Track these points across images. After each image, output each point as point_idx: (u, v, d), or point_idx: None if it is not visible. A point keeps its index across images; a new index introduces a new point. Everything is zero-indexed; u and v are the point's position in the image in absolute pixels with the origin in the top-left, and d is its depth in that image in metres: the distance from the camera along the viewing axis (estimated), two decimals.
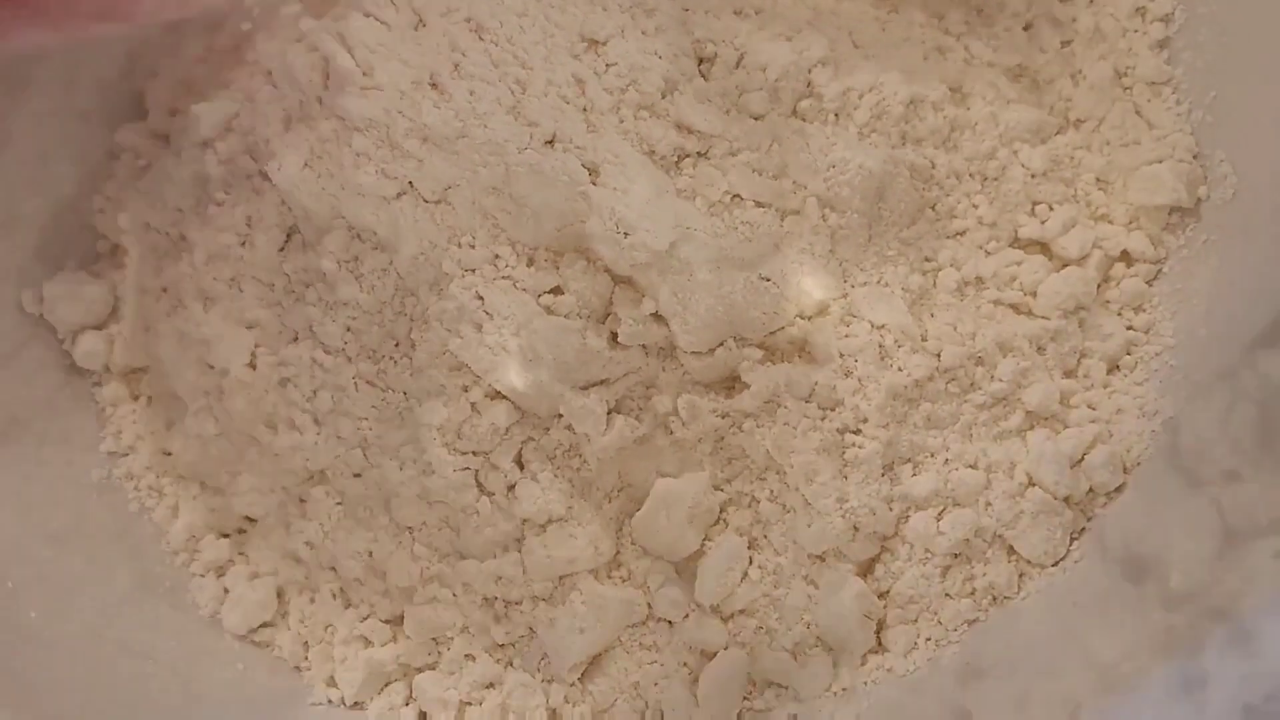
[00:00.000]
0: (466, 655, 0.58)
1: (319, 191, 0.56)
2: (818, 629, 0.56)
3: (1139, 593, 0.53)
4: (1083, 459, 0.55)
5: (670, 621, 0.57)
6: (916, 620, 0.56)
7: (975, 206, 0.58)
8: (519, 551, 0.56)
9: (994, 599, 0.55)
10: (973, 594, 0.55)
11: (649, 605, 0.57)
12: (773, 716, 0.57)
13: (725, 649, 0.56)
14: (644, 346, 0.56)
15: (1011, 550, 0.55)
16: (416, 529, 0.57)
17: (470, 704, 0.57)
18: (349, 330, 0.56)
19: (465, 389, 0.55)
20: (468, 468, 0.56)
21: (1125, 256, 0.58)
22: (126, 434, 0.61)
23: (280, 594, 0.59)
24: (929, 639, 0.56)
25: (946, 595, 0.55)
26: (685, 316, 0.55)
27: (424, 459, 0.56)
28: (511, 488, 0.56)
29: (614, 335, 0.56)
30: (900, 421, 0.56)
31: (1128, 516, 0.54)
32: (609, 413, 0.56)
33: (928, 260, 0.58)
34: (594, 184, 0.55)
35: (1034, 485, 0.55)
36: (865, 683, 0.56)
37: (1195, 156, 0.57)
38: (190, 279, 0.59)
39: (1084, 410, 0.56)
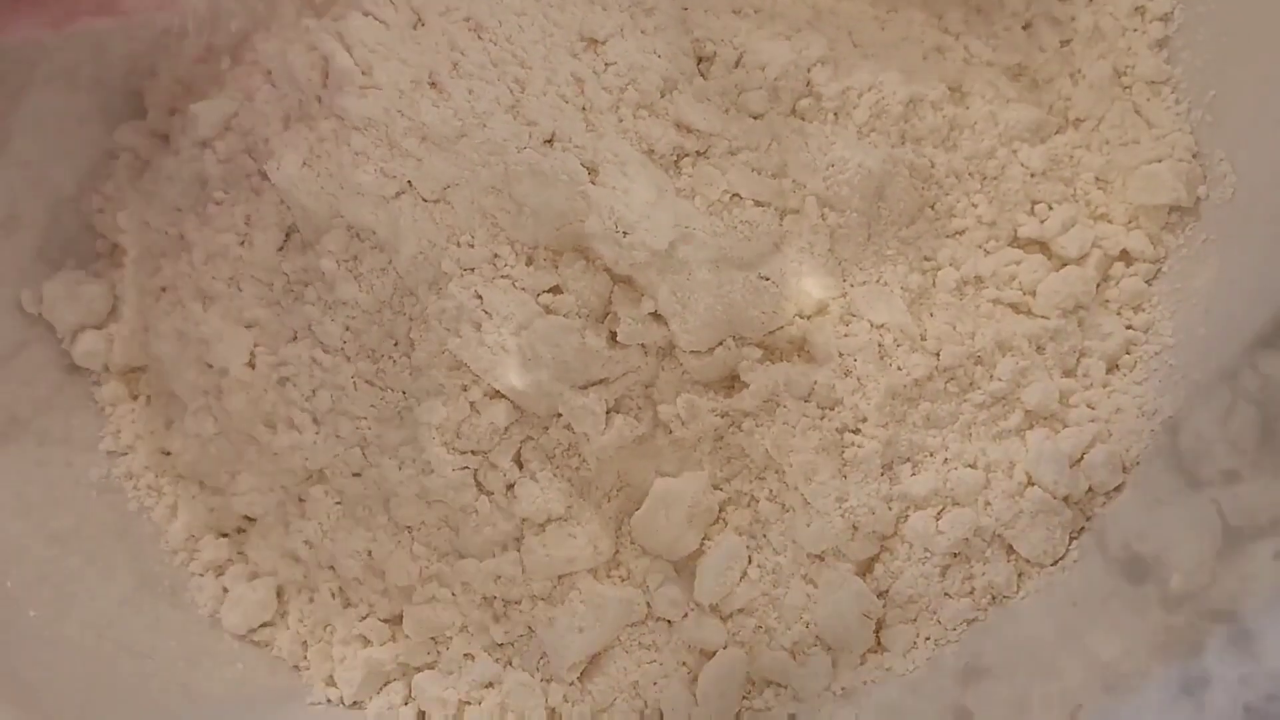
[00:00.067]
0: (465, 654, 0.58)
1: (318, 191, 0.56)
2: (817, 628, 0.56)
3: (1139, 593, 0.53)
4: (1082, 458, 0.55)
5: (669, 621, 0.57)
6: (916, 620, 0.56)
7: (974, 206, 0.58)
8: (518, 551, 0.56)
9: (993, 598, 0.55)
10: (972, 593, 0.55)
11: (648, 604, 0.57)
12: (772, 716, 0.57)
13: (724, 648, 0.56)
14: (643, 346, 0.56)
15: (1011, 550, 0.55)
16: (415, 528, 0.57)
17: (469, 703, 0.57)
18: (348, 329, 0.56)
19: (464, 388, 0.56)
20: (467, 467, 0.56)
21: (1124, 256, 0.58)
22: (126, 433, 0.61)
23: (279, 593, 0.59)
24: (928, 638, 0.56)
25: (946, 595, 0.55)
26: (684, 316, 0.55)
27: (423, 458, 0.56)
28: (510, 487, 0.56)
29: (613, 334, 0.56)
30: (899, 421, 0.56)
31: (1128, 517, 0.54)
32: (608, 412, 0.56)
33: (927, 259, 0.58)
34: (593, 183, 0.55)
35: (1033, 485, 0.55)
36: (865, 682, 0.55)
37: (1194, 156, 0.57)
38: (189, 278, 0.59)
39: (1083, 410, 0.56)
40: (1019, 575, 0.55)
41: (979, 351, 0.56)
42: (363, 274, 0.56)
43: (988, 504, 0.55)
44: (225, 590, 0.60)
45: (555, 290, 0.55)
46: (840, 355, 0.56)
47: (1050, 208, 0.58)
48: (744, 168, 0.57)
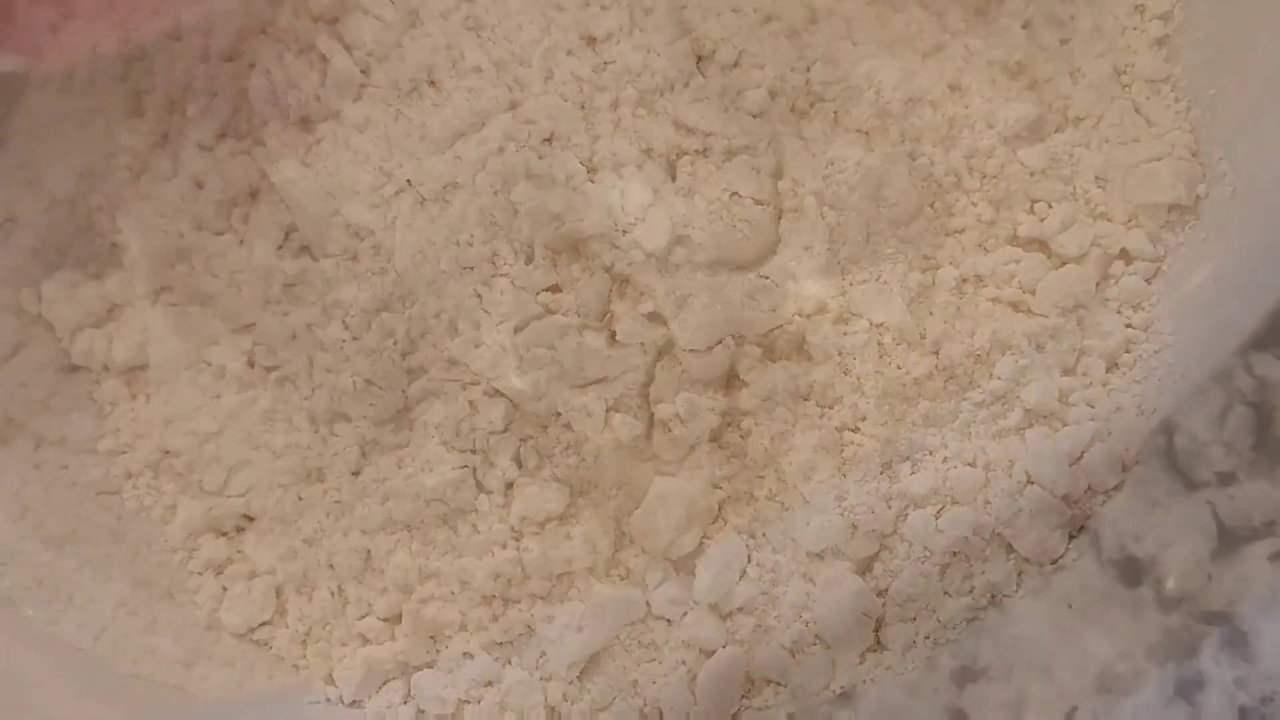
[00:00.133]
0: (465, 653, 0.58)
1: (316, 191, 0.56)
2: (816, 627, 0.56)
3: (1135, 595, 0.53)
4: (1081, 457, 0.55)
5: (669, 620, 0.57)
6: (915, 619, 0.56)
7: (974, 204, 0.58)
8: (517, 550, 0.56)
9: (993, 597, 0.55)
10: (971, 592, 0.55)
11: (647, 603, 0.57)
12: (771, 715, 0.57)
13: (723, 647, 0.56)
14: (642, 345, 0.56)
15: (1010, 548, 0.55)
16: (415, 527, 0.57)
17: (468, 702, 0.57)
18: (347, 329, 0.56)
19: (463, 387, 0.56)
20: (466, 466, 0.56)
21: (1124, 254, 0.57)
22: (125, 433, 0.61)
23: (279, 593, 0.59)
24: (927, 637, 0.56)
25: (945, 594, 0.55)
26: (683, 315, 0.55)
27: (422, 457, 0.56)
28: (509, 486, 0.56)
29: (612, 334, 0.56)
30: (899, 419, 0.56)
31: (1123, 518, 0.54)
32: (607, 411, 0.56)
33: (926, 258, 0.58)
34: (592, 182, 0.55)
35: (1032, 483, 0.54)
36: (864, 681, 0.56)
37: (1194, 154, 0.57)
38: (188, 278, 0.59)
39: (1083, 408, 0.55)
40: (1018, 574, 0.55)
41: (978, 350, 0.56)
42: (361, 274, 0.56)
43: (987, 503, 0.55)
44: (224, 589, 0.59)
45: (554, 289, 0.56)
46: (839, 354, 0.56)
47: (1050, 206, 0.58)
48: (743, 167, 0.57)
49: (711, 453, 0.57)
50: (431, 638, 0.58)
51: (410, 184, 0.56)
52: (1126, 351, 0.56)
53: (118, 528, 0.60)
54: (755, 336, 0.56)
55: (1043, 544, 0.54)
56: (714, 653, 0.56)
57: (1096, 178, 0.59)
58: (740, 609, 0.56)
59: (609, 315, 0.56)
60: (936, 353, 0.56)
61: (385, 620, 0.59)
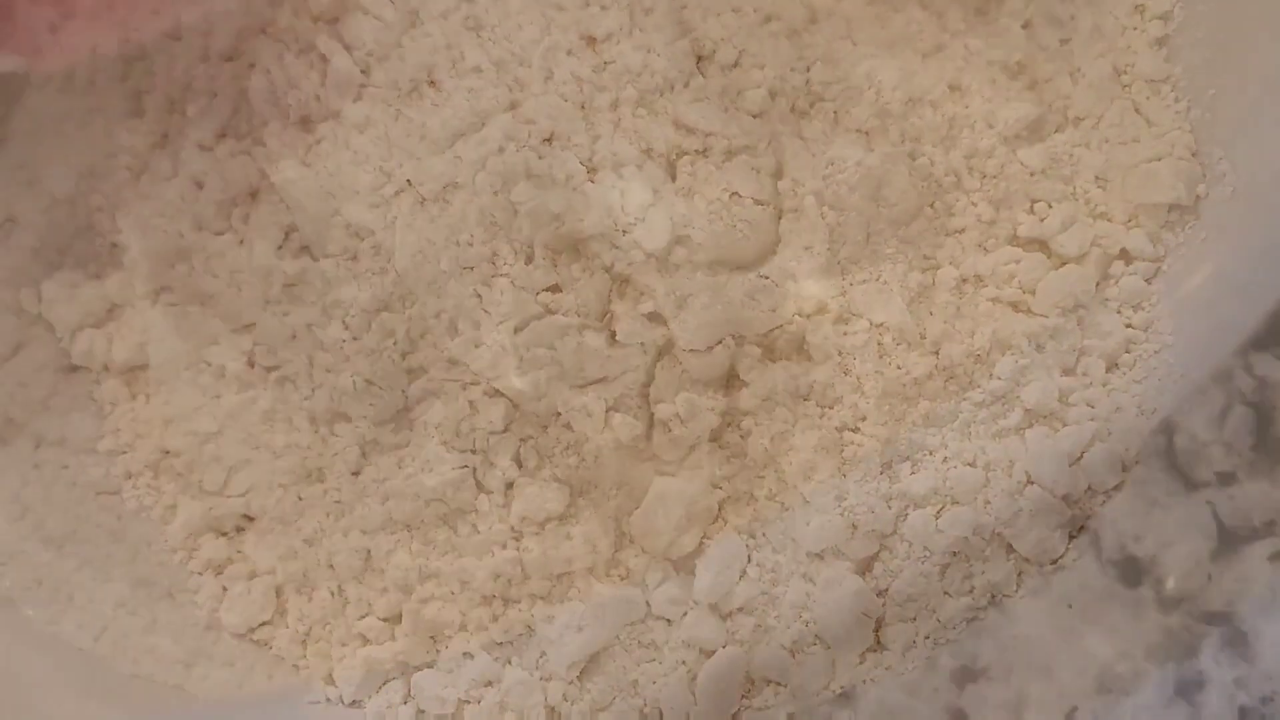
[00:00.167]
0: (465, 653, 0.58)
1: (316, 191, 0.57)
2: (816, 627, 0.56)
3: (1135, 595, 0.53)
4: (1081, 457, 0.55)
5: (669, 620, 0.57)
6: (915, 619, 0.56)
7: (974, 204, 0.58)
8: (517, 550, 0.57)
9: (993, 597, 0.55)
10: (971, 592, 0.55)
11: (647, 603, 0.57)
12: (771, 715, 0.57)
13: (723, 647, 0.56)
14: (642, 345, 0.56)
15: (1010, 548, 0.55)
16: (415, 527, 0.58)
17: (468, 702, 0.57)
18: (347, 329, 0.57)
19: (463, 388, 0.56)
20: (465, 466, 0.56)
21: (1124, 254, 0.57)
22: (125, 433, 0.61)
23: (279, 593, 0.60)
24: (927, 637, 0.56)
25: (945, 594, 0.55)
26: (683, 315, 0.55)
27: (422, 457, 0.57)
28: (509, 486, 0.57)
29: (612, 334, 0.56)
30: (899, 419, 0.56)
31: (1123, 519, 0.54)
32: (607, 411, 0.56)
33: (926, 258, 0.58)
34: (592, 182, 0.56)
35: (1032, 483, 0.55)
36: (865, 681, 0.56)
37: (1194, 154, 0.57)
38: (189, 278, 0.59)
39: (1083, 408, 0.56)
40: (1018, 574, 0.55)
41: (978, 350, 0.56)
42: (361, 274, 0.56)
43: (987, 503, 0.55)
44: (225, 590, 0.60)
45: (554, 289, 0.56)
46: (840, 354, 0.56)
47: (1050, 206, 0.58)
48: (743, 167, 0.57)
49: (711, 453, 0.57)
50: (431, 638, 0.58)
51: (410, 184, 0.56)
52: (1126, 351, 0.57)
53: (118, 528, 0.60)
54: (755, 336, 0.56)
55: (1043, 544, 0.54)
56: (714, 653, 0.56)
57: (1096, 178, 0.59)
58: (740, 609, 0.56)
59: (609, 315, 0.56)
60: (937, 353, 0.56)
61: (385, 620, 0.59)
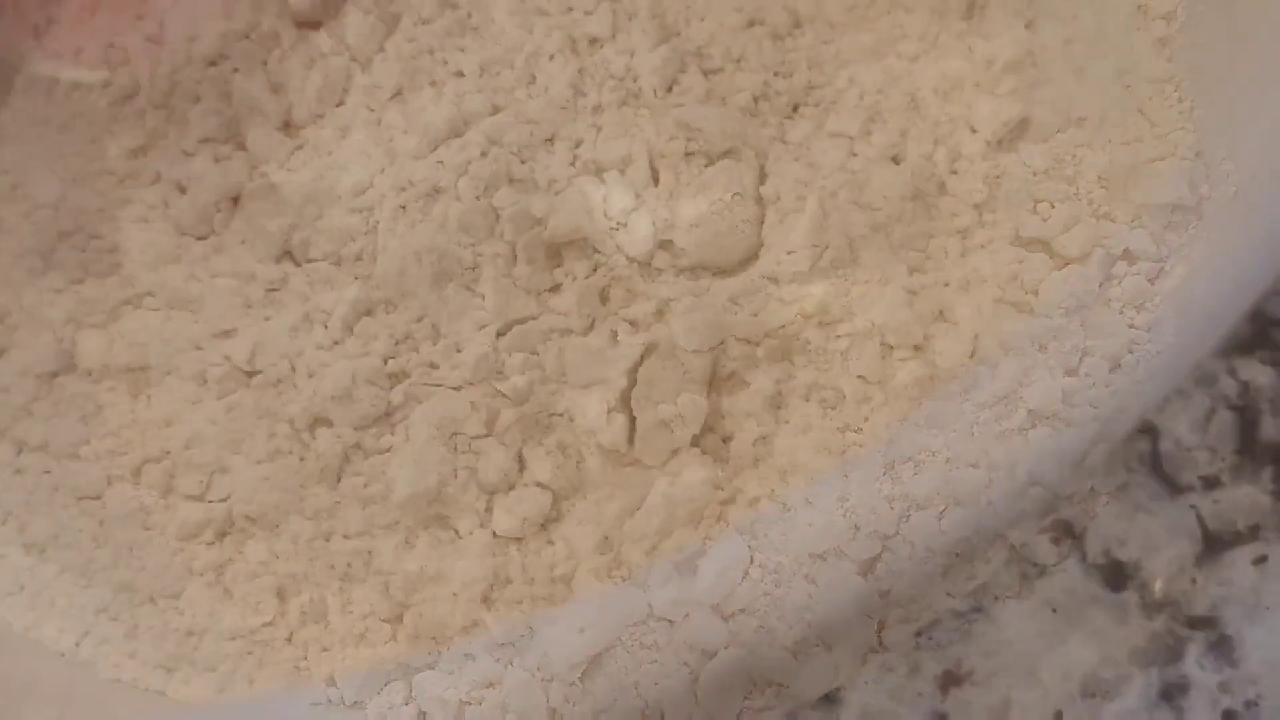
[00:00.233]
0: (466, 655, 0.58)
1: (300, 195, 0.58)
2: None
3: (1119, 599, 0.54)
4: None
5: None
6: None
7: (976, 205, 0.59)
8: (518, 550, 0.58)
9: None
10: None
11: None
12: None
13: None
14: (626, 349, 0.57)
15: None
16: (415, 527, 0.59)
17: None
18: (347, 328, 0.58)
19: (446, 392, 0.58)
20: (448, 471, 0.57)
21: (1127, 254, 0.58)
22: (108, 438, 0.62)
23: (279, 593, 0.60)
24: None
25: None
26: (667, 319, 0.57)
27: (423, 457, 0.58)
28: (493, 491, 0.58)
29: (614, 334, 0.58)
30: (901, 420, 0.57)
31: (1108, 523, 0.55)
32: (609, 412, 0.57)
33: (928, 258, 0.59)
34: (575, 186, 0.57)
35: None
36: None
37: (1198, 155, 0.58)
38: (172, 282, 0.61)
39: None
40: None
41: (980, 350, 0.57)
42: (359, 275, 0.58)
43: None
44: (224, 591, 0.61)
45: (537, 294, 0.57)
46: (841, 354, 0.57)
47: (1052, 206, 0.59)
48: (727, 170, 0.58)
49: (698, 455, 0.58)
50: (433, 639, 0.59)
51: (393, 188, 0.57)
52: (1129, 352, 0.57)
53: (100, 533, 0.60)
54: (756, 337, 0.58)
55: (1047, 545, 0.55)
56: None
57: (1099, 178, 0.60)
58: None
59: (592, 320, 0.57)
60: (939, 353, 0.57)
61: (387, 621, 0.60)
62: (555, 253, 0.58)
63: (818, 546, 0.56)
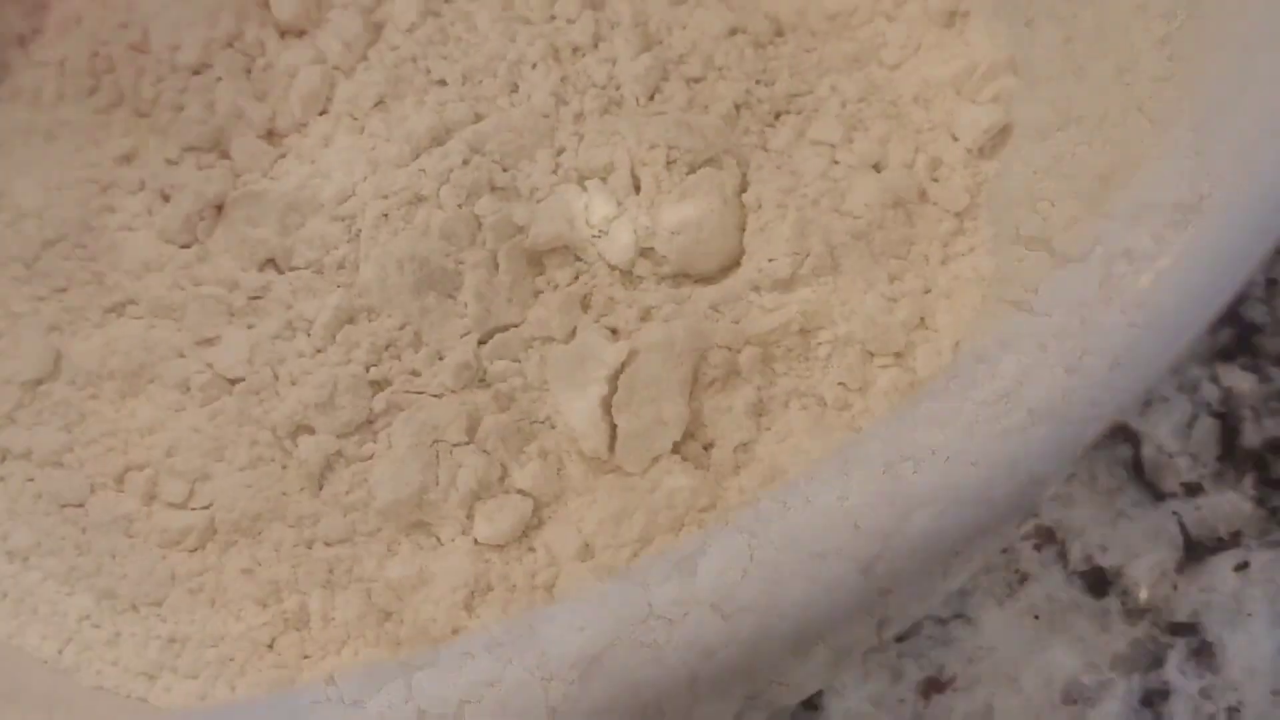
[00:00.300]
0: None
1: (282, 204, 0.60)
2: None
3: (1101, 606, 0.56)
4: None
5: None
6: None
7: (957, 212, 0.61)
8: (500, 557, 0.59)
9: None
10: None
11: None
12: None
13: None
14: (625, 352, 0.59)
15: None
16: (397, 534, 0.60)
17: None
18: (329, 336, 0.60)
19: (428, 400, 0.59)
20: (449, 473, 0.59)
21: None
22: (91, 445, 0.63)
23: (261, 600, 0.62)
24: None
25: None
26: (666, 323, 0.59)
27: (405, 464, 0.59)
28: (493, 494, 0.60)
29: (613, 330, 0.59)
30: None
31: (1089, 529, 0.57)
32: (590, 419, 0.59)
33: (909, 266, 0.61)
34: (574, 191, 0.59)
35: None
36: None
37: (1198, 154, 0.57)
38: (154, 290, 0.63)
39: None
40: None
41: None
42: (341, 283, 0.60)
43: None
44: (207, 598, 0.62)
45: (518, 302, 0.59)
46: (822, 362, 0.59)
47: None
48: (708, 179, 0.60)
49: (679, 462, 0.60)
50: (432, 638, 0.61)
51: (376, 196, 0.59)
52: (1130, 351, 0.57)
53: (83, 540, 0.62)
54: (722, 346, 0.59)
55: (1029, 552, 0.57)
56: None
57: (1100, 177, 0.60)
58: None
59: (574, 326, 0.59)
60: (939, 352, 0.59)
61: (386, 620, 0.61)
62: (537, 260, 0.60)
63: (819, 545, 0.55)
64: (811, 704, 0.60)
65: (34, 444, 0.63)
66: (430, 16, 0.62)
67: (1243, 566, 0.58)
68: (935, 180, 0.62)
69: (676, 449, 0.60)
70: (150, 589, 0.62)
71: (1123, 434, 0.61)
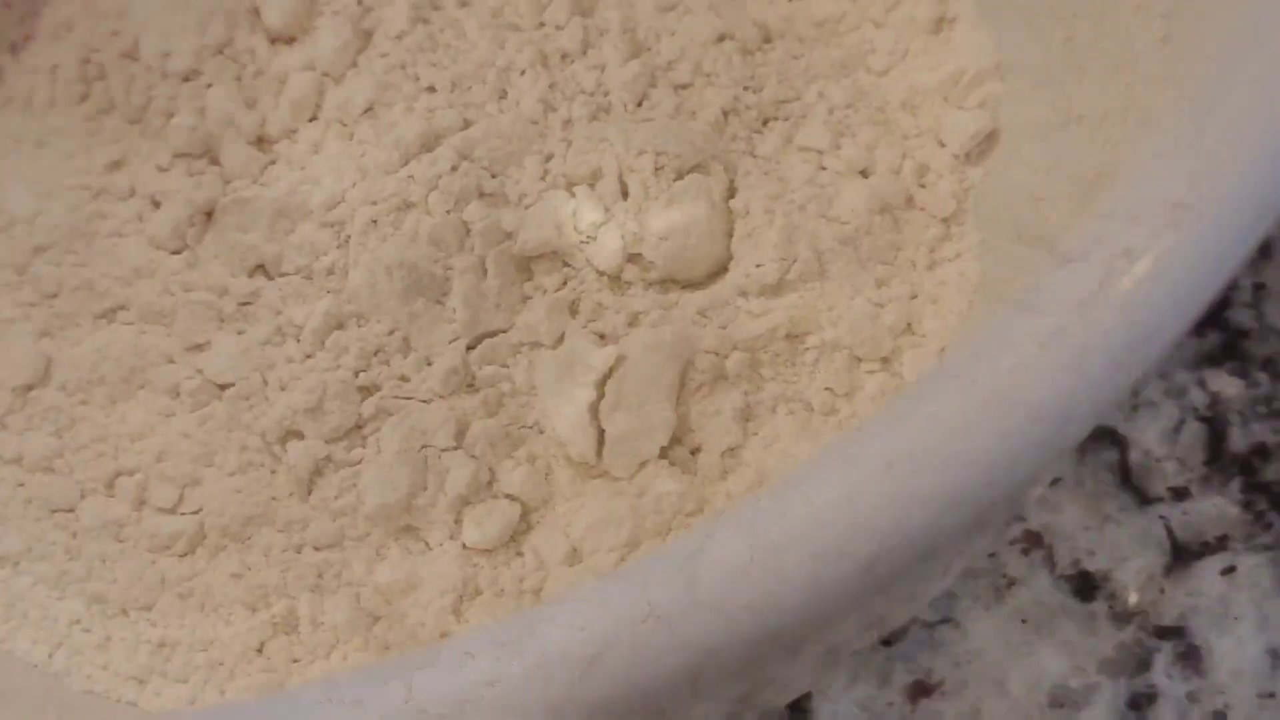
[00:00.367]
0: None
1: (272, 210, 0.61)
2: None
3: (1088, 609, 0.57)
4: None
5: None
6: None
7: (944, 218, 0.63)
8: (488, 561, 0.61)
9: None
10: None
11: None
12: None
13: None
14: (613, 358, 0.60)
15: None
16: (385, 539, 0.62)
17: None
18: (319, 342, 0.61)
19: (416, 405, 0.61)
20: (437, 478, 0.61)
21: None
22: (82, 451, 0.65)
23: (250, 605, 0.63)
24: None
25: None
26: (654, 328, 0.60)
27: (393, 469, 0.61)
28: (481, 499, 0.61)
29: (600, 336, 0.61)
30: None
31: (1077, 533, 0.58)
32: (578, 424, 0.60)
33: (896, 271, 0.62)
34: (562, 197, 0.60)
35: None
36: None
37: (1198, 153, 0.57)
38: (144, 296, 0.64)
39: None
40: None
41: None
42: (330, 289, 0.61)
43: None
44: (196, 603, 0.64)
45: (506, 307, 0.61)
46: (809, 367, 0.61)
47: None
48: (695, 185, 0.61)
49: (667, 467, 0.61)
50: (420, 643, 0.62)
51: (365, 203, 0.60)
52: (1131, 351, 0.57)
53: (73, 545, 0.63)
54: (710, 351, 0.61)
55: (1016, 556, 0.58)
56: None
57: (1099, 176, 0.61)
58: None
59: (562, 332, 0.60)
60: (939, 353, 0.60)
61: (356, 632, 0.63)
62: (525, 266, 0.61)
63: (819, 545, 0.55)
64: (799, 707, 0.62)
65: (24, 449, 0.65)
66: (420, 24, 0.64)
67: (1229, 570, 0.59)
68: (922, 186, 0.63)
69: (664, 454, 0.61)
70: (140, 593, 0.64)
71: (1110, 438, 0.62)
